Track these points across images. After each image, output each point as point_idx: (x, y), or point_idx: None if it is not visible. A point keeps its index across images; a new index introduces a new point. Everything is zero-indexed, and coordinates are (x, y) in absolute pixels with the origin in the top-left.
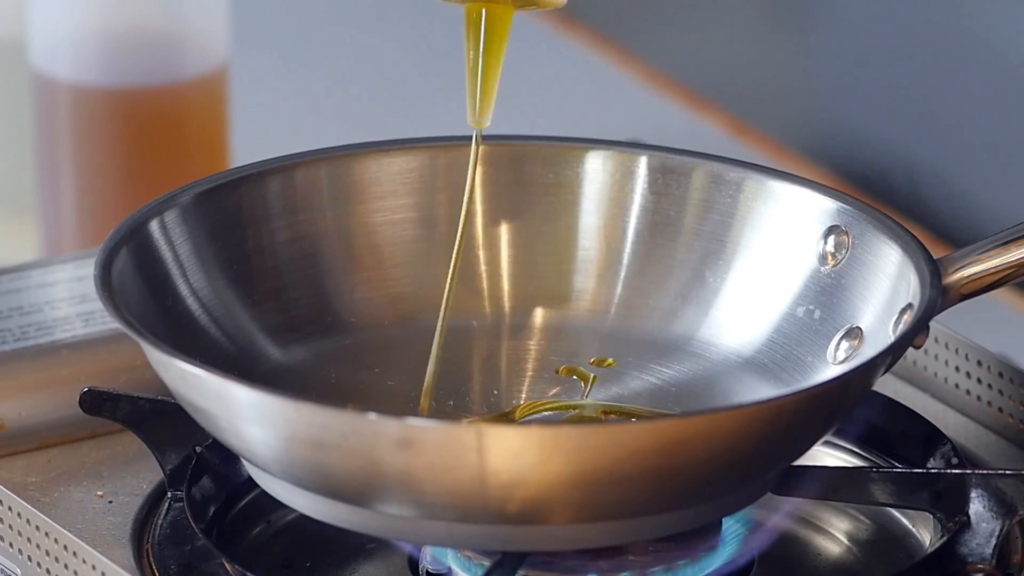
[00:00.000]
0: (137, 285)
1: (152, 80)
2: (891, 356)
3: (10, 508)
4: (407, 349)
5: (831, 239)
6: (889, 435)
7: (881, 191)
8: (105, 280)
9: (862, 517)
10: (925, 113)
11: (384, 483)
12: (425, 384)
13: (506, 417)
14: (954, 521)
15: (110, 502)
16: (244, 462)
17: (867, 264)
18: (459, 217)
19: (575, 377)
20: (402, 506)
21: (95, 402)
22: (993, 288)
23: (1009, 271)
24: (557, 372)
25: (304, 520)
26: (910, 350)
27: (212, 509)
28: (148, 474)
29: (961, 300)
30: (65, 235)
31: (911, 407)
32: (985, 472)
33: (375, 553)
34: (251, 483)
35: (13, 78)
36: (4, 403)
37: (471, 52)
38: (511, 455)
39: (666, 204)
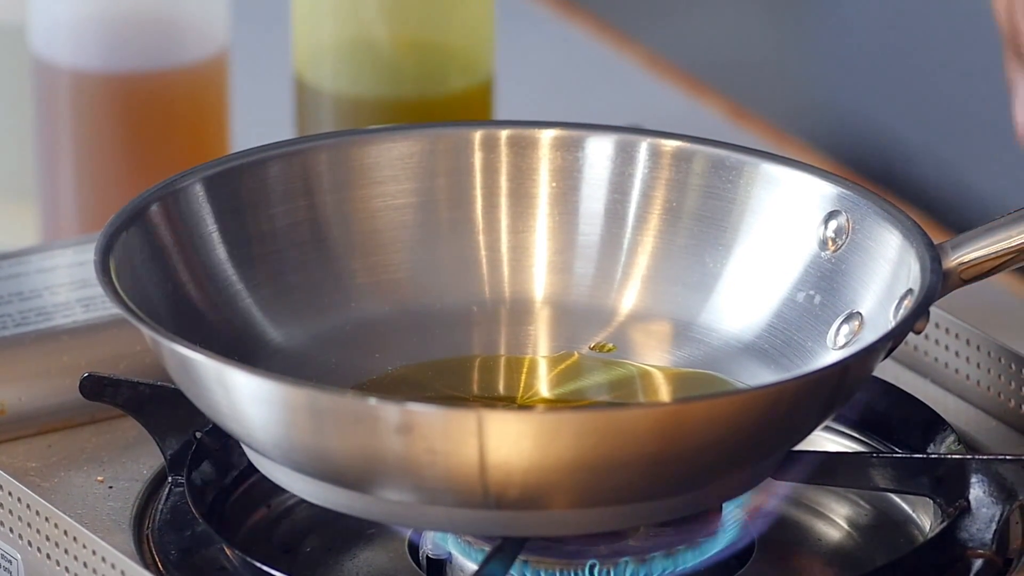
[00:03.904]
0: (137, 271)
1: (152, 65)
2: (891, 341)
3: (10, 493)
4: (407, 334)
5: (831, 224)
6: (889, 420)
7: (881, 176)
8: (105, 265)
9: (862, 502)
10: (926, 99)
11: (384, 468)
12: None
13: (507, 402)
14: (954, 506)
15: (110, 487)
16: (244, 447)
17: (867, 249)
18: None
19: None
20: (402, 491)
21: (95, 387)
22: (993, 273)
23: (1010, 256)
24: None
25: (304, 505)
26: (910, 335)
27: (212, 494)
28: (148, 459)
29: (962, 285)
30: (65, 220)
31: (911, 392)
32: (985, 457)
33: (375, 538)
34: (251, 468)
35: (13, 63)
36: (4, 388)
37: None
38: (511, 440)
39: (666, 189)
